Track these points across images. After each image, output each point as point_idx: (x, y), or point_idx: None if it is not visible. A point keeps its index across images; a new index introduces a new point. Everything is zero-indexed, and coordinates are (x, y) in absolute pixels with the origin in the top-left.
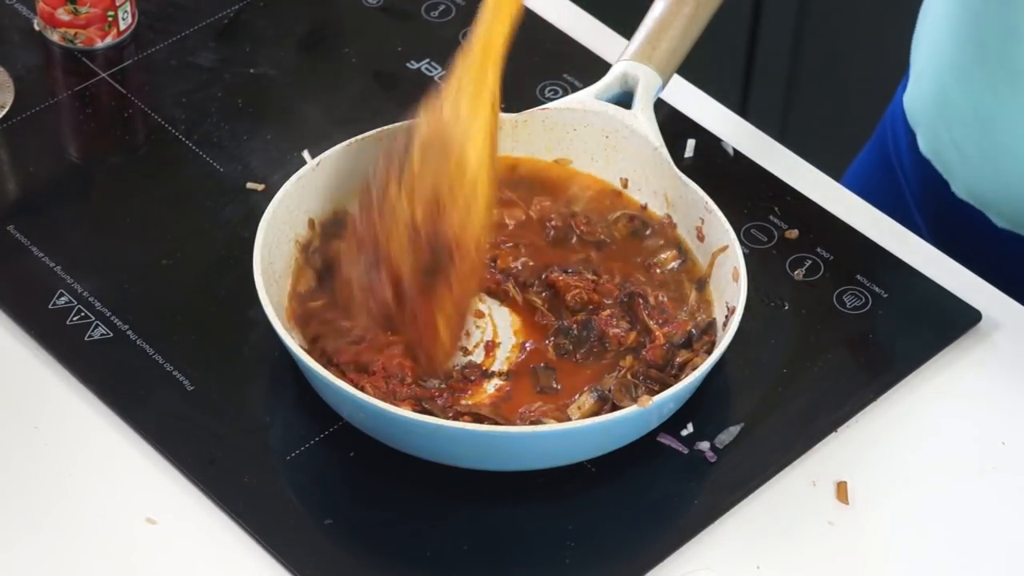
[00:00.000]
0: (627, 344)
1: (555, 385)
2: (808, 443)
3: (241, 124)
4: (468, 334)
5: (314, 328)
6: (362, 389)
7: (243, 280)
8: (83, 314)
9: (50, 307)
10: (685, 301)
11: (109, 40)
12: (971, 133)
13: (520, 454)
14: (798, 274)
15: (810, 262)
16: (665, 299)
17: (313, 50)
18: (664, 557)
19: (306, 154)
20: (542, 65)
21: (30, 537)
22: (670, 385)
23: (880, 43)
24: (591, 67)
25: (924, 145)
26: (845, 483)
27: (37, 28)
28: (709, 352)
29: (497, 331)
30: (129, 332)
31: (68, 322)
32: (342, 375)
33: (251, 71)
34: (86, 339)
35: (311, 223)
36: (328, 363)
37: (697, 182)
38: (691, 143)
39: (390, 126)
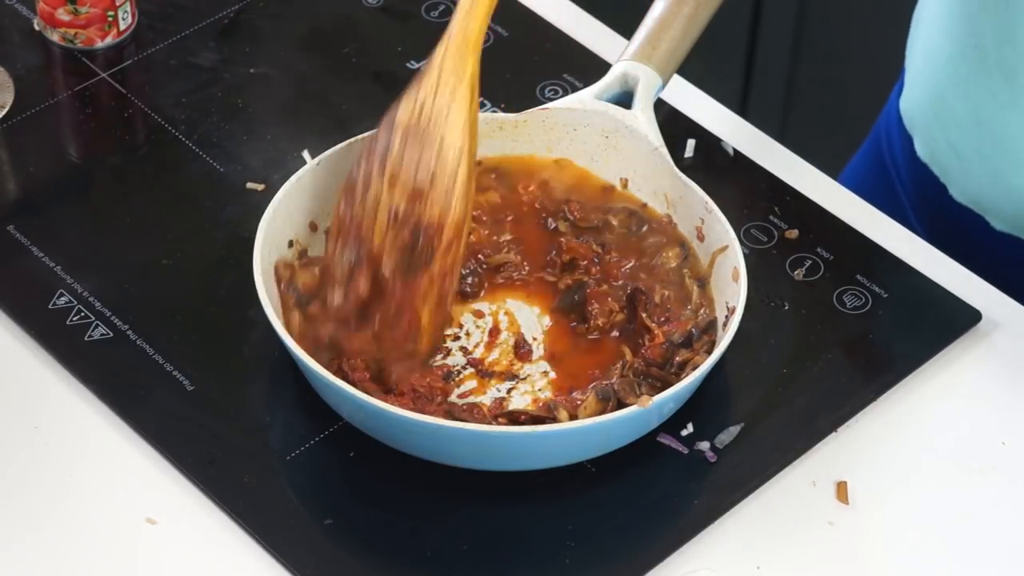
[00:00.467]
0: (613, 322)
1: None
2: (808, 443)
3: (241, 124)
4: (468, 334)
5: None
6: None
7: (243, 280)
8: (83, 314)
9: (50, 307)
10: (689, 299)
11: (109, 40)
12: (969, 137)
13: (520, 454)
14: (798, 274)
15: (810, 262)
16: (669, 295)
17: (313, 50)
18: (664, 557)
19: (306, 154)
20: (542, 65)
21: (30, 537)
22: (671, 383)
23: (880, 43)
24: (591, 67)
25: (921, 149)
26: (845, 483)
27: (37, 28)
28: (709, 352)
29: (521, 329)
30: (129, 332)
31: (68, 322)
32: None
33: (251, 71)
34: (86, 339)
35: (312, 225)
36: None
37: (697, 182)
38: (691, 143)
39: None
